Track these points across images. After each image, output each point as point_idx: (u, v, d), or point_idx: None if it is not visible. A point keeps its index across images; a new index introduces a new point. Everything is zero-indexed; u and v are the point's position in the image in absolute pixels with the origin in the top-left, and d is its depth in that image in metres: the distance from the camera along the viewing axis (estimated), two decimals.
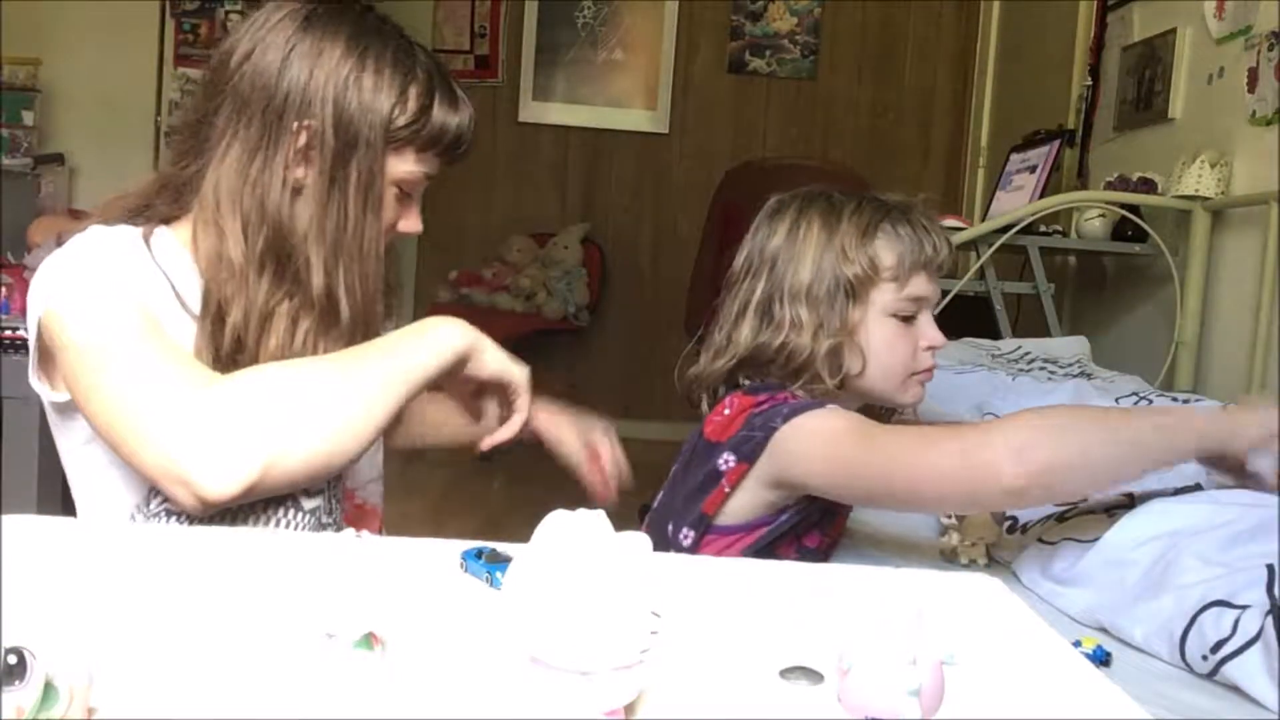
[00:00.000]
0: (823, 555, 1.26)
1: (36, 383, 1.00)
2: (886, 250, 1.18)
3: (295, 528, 0.88)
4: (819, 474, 1.12)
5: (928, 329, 1.21)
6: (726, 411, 1.19)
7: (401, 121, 1.01)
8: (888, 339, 1.20)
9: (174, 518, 0.88)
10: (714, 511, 1.18)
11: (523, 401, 1.04)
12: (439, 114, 1.03)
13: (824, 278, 1.18)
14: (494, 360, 1.01)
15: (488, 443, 1.08)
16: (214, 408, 0.83)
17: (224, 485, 0.81)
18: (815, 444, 1.11)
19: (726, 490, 1.16)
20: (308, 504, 0.89)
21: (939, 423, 1.56)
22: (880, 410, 1.30)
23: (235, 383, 0.86)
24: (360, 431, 0.88)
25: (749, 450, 1.14)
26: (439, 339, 0.97)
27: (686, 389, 1.28)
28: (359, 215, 1.00)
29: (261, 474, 0.82)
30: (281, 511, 0.87)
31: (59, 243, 1.00)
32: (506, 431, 1.06)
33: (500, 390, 1.04)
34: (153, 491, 0.89)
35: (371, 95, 0.99)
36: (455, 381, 1.02)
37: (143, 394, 0.85)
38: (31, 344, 0.98)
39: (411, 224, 1.07)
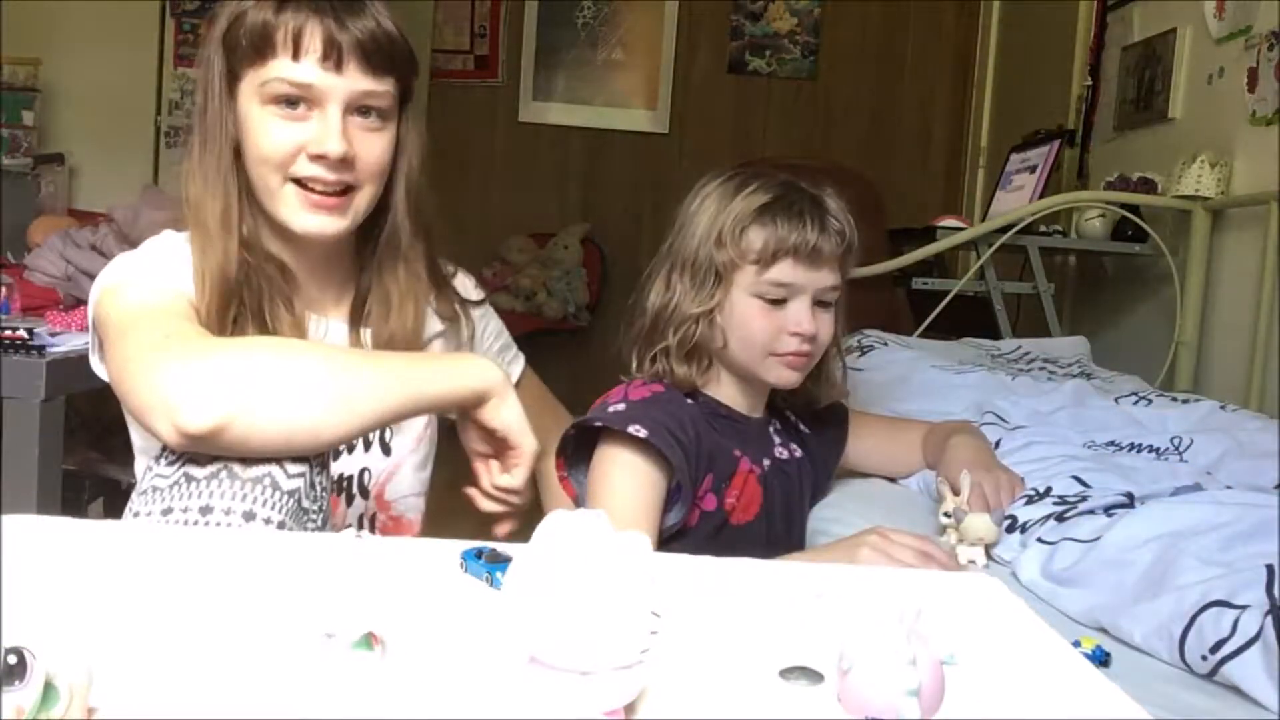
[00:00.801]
0: (724, 517, 1.28)
1: (97, 364, 1.08)
2: (757, 235, 1.23)
3: (274, 508, 0.88)
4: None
5: (798, 316, 1.24)
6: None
7: (229, 35, 1.05)
8: (747, 317, 1.25)
9: (181, 463, 0.90)
10: (572, 496, 1.28)
11: (520, 472, 1.04)
12: (255, 14, 1.04)
13: (702, 255, 1.26)
14: (510, 416, 1.01)
15: (500, 530, 1.07)
16: (202, 354, 0.90)
17: (199, 417, 0.85)
18: (591, 478, 1.23)
19: (561, 474, 1.28)
20: (286, 485, 0.90)
21: (889, 417, 1.61)
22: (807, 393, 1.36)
23: (231, 341, 0.95)
24: (335, 421, 0.91)
25: (561, 443, 1.26)
26: (463, 370, 1.01)
27: (621, 350, 1.36)
28: (215, 142, 1.06)
29: (229, 418, 0.86)
30: (259, 490, 0.88)
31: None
32: (503, 506, 1.07)
33: (502, 450, 1.05)
34: (163, 449, 0.92)
35: (220, 31, 1.06)
36: (470, 431, 1.04)
37: (153, 345, 0.92)
38: (90, 329, 1.08)
39: (319, 143, 1.04)
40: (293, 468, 0.90)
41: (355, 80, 1.04)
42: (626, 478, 1.20)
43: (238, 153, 1.08)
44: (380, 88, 1.07)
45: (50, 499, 1.60)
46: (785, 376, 1.28)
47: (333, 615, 0.56)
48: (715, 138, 4.64)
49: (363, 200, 1.10)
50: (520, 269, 4.45)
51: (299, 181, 1.06)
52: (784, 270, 1.23)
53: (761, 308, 1.24)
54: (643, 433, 1.18)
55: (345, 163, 1.05)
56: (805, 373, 1.29)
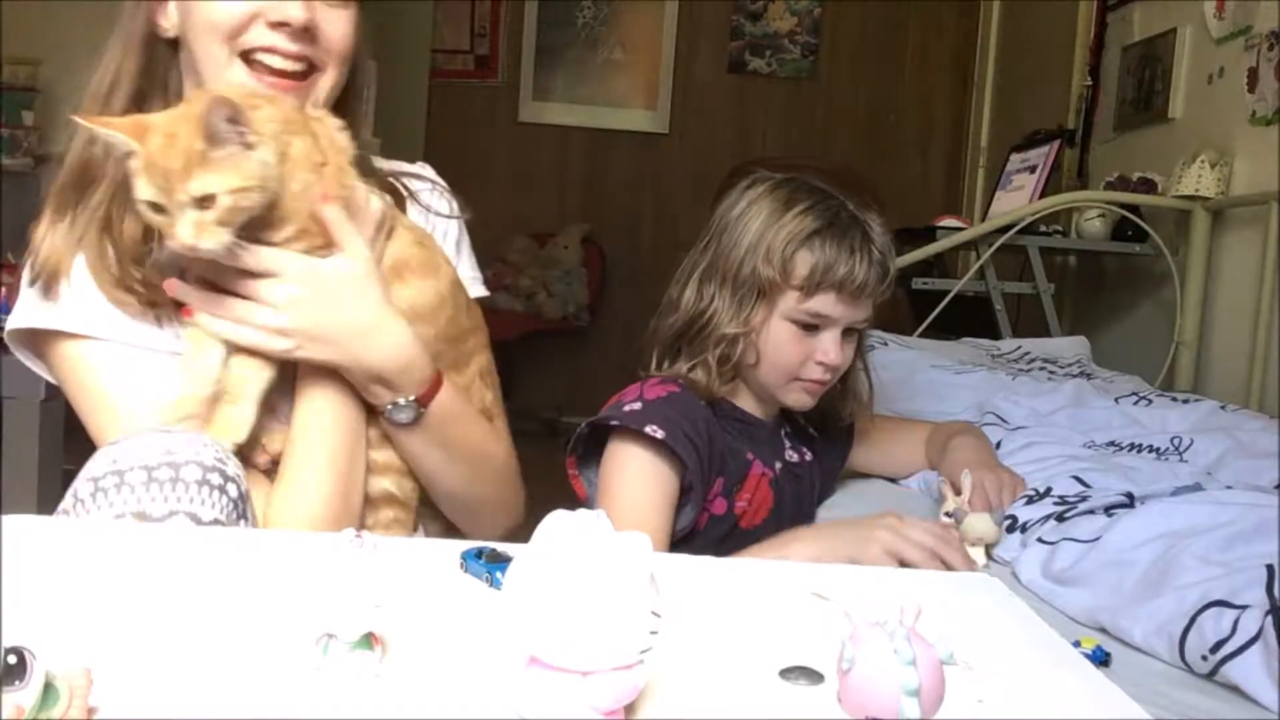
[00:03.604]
0: (734, 521, 1.28)
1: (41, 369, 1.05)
2: (804, 261, 1.22)
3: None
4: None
5: (827, 346, 1.24)
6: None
7: None
8: (780, 341, 1.24)
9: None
10: (583, 496, 1.27)
11: None
12: None
13: (746, 269, 1.23)
14: None
15: None
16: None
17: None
18: (602, 475, 1.22)
19: (573, 473, 1.28)
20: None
21: (892, 418, 1.61)
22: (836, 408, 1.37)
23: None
24: None
25: (574, 442, 1.25)
26: None
27: (642, 345, 1.33)
28: (137, 9, 1.02)
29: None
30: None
31: None
32: None
33: None
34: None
35: None
36: None
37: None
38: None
39: (279, 8, 0.94)
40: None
41: None
42: (640, 476, 1.19)
43: (157, 37, 0.98)
44: None
45: (50, 499, 1.60)
46: (802, 401, 1.28)
47: (333, 615, 0.56)
48: (715, 138, 4.64)
49: (326, 85, 0.99)
50: (520, 269, 4.45)
51: (248, 60, 0.95)
52: (824, 302, 1.22)
53: (794, 333, 1.24)
54: (660, 433, 1.17)
55: (308, 33, 0.95)
56: (818, 397, 1.29)
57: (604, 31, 4.67)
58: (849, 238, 1.22)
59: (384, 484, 0.99)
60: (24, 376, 1.63)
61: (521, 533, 1.04)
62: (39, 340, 1.00)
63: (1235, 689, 0.90)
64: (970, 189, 4.40)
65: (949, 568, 1.09)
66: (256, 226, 0.88)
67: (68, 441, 1.69)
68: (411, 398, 0.95)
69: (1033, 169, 3.04)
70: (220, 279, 0.90)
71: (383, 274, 0.95)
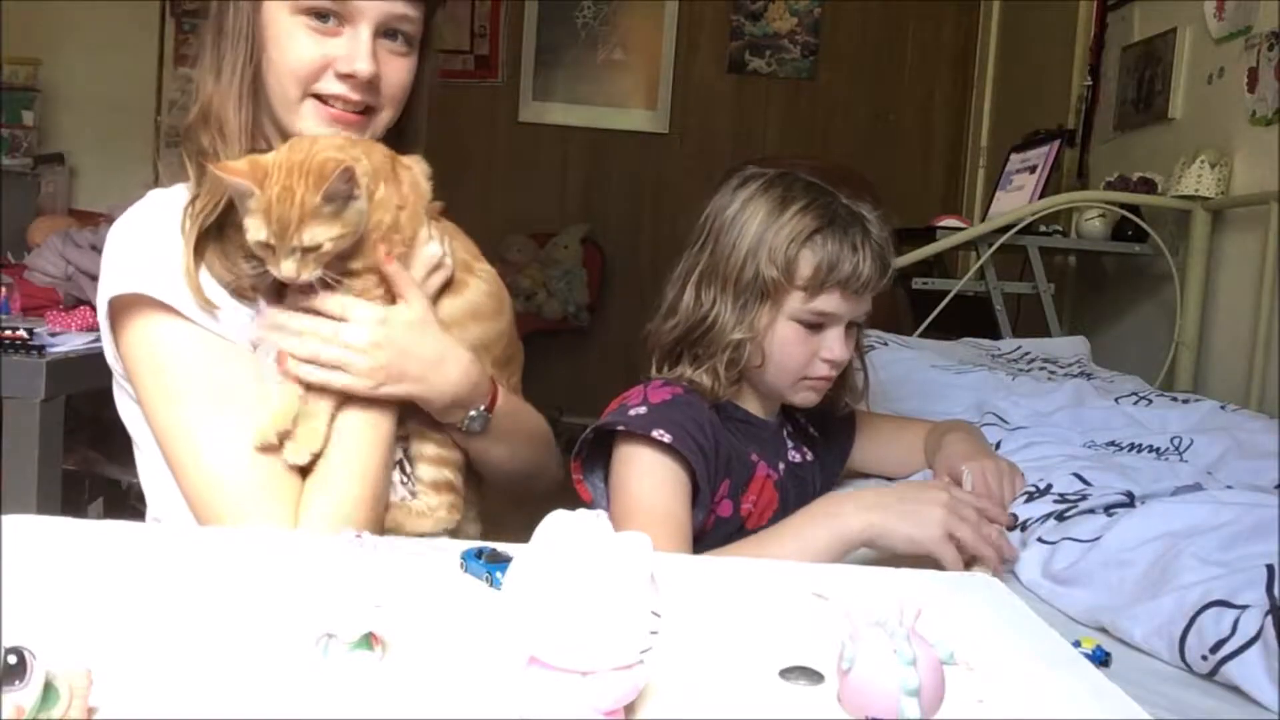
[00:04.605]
0: (740, 524, 1.27)
1: (120, 395, 1.08)
2: (807, 261, 1.21)
3: None
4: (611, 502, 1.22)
5: (832, 343, 1.24)
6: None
7: None
8: (786, 340, 1.24)
9: None
10: (587, 499, 1.26)
11: None
12: None
13: (748, 272, 1.23)
14: None
15: None
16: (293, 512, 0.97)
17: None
18: (615, 481, 1.21)
19: (577, 477, 1.27)
20: None
21: (890, 416, 1.61)
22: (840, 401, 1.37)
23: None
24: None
25: (578, 446, 1.25)
26: None
27: (645, 346, 1.33)
28: (239, 49, 1.04)
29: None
30: None
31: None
32: None
33: None
34: None
35: None
36: None
37: (231, 471, 0.97)
38: (105, 340, 1.06)
39: (349, 61, 1.03)
40: None
41: (391, 2, 1.03)
42: (653, 480, 1.18)
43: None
44: (413, 12, 1.05)
45: (50, 499, 1.60)
46: (808, 399, 1.28)
47: (333, 615, 0.56)
48: (715, 138, 4.64)
49: (381, 123, 1.08)
50: (520, 269, 4.45)
51: (318, 98, 1.04)
52: (830, 301, 1.22)
53: (799, 333, 1.23)
54: (667, 438, 1.17)
55: (371, 84, 1.04)
56: (823, 394, 1.30)
57: (604, 31, 4.67)
58: (850, 235, 1.21)
59: (445, 474, 1.10)
60: (24, 376, 1.63)
61: (522, 533, 1.05)
62: (122, 312, 1.01)
63: (1235, 689, 0.90)
64: (970, 189, 4.41)
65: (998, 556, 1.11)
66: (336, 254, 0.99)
67: (68, 441, 1.69)
68: (481, 408, 1.07)
69: (1033, 169, 3.05)
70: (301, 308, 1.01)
71: (440, 315, 1.07)
